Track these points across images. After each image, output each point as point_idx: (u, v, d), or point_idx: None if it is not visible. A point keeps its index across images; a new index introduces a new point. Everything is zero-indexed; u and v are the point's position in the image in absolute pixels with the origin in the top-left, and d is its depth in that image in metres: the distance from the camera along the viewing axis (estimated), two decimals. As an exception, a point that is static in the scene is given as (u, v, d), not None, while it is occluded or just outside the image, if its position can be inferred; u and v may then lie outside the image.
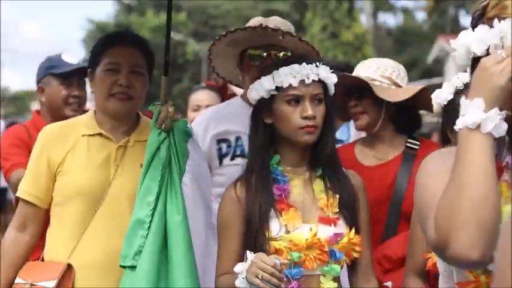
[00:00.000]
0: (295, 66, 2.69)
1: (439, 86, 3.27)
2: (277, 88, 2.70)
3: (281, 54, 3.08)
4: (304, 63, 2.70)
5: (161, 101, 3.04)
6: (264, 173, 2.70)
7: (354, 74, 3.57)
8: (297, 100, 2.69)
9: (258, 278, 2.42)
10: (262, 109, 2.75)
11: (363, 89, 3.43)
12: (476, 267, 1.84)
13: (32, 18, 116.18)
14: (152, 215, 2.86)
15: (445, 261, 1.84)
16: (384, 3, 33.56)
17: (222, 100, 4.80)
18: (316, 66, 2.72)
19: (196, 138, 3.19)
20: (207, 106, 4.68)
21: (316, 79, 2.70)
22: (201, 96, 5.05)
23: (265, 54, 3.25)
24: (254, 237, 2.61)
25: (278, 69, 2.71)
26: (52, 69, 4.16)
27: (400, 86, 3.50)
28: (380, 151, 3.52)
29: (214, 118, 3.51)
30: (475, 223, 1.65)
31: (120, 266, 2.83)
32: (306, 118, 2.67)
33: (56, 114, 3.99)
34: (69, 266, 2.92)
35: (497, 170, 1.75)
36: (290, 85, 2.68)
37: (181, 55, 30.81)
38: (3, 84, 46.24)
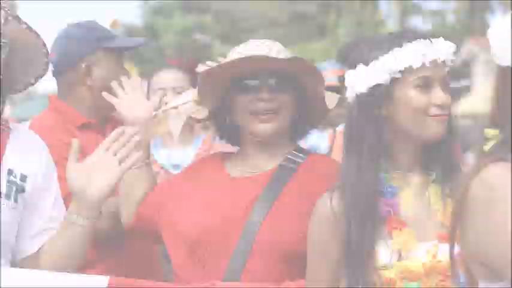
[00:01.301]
0: (422, 41, 2.20)
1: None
2: (401, 70, 2.19)
3: None
4: (428, 39, 2.22)
5: None
6: (372, 183, 2.17)
7: None
8: (427, 84, 2.19)
9: None
10: (376, 99, 2.19)
11: None
12: None
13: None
14: None
15: None
16: (411, 6, 33.37)
17: (193, 83, 3.74)
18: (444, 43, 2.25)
19: None
20: (173, 89, 3.78)
21: (445, 59, 2.23)
22: (165, 75, 3.98)
23: None
24: (355, 266, 2.12)
25: (400, 45, 2.19)
26: (104, 42, 3.04)
27: None
28: None
29: None
30: None
31: None
32: (438, 107, 2.18)
33: (105, 105, 2.94)
34: None
35: None
36: (423, 65, 2.17)
37: (206, 58, 30.79)
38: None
